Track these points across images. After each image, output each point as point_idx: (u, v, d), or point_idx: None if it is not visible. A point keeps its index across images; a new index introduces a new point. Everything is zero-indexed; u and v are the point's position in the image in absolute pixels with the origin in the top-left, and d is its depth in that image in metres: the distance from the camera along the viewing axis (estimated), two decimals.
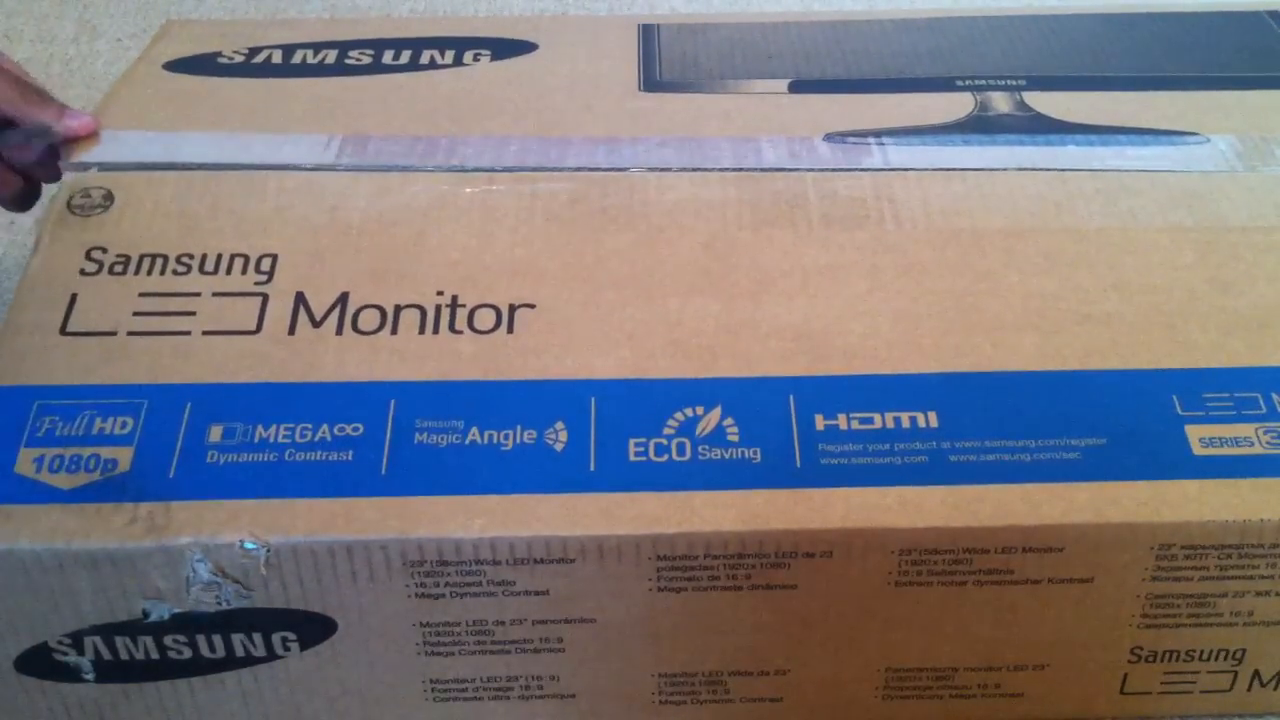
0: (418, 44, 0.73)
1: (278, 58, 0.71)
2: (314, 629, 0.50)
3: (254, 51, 0.72)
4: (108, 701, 0.52)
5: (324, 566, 0.48)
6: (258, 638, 0.50)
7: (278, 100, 0.67)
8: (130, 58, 0.95)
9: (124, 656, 0.50)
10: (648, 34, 0.74)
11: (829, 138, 0.64)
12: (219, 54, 0.71)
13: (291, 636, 0.50)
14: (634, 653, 0.51)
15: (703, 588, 0.49)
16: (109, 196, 0.60)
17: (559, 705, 0.53)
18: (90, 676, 0.51)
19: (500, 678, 0.52)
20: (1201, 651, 0.53)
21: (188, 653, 0.50)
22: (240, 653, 0.50)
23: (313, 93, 0.68)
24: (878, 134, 0.64)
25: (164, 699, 0.52)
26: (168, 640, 0.50)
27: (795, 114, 0.66)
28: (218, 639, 0.50)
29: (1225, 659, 0.53)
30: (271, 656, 0.51)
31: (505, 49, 0.72)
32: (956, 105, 0.67)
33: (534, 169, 0.61)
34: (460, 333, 0.54)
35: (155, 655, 0.50)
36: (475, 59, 0.71)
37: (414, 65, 0.71)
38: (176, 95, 0.67)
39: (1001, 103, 0.67)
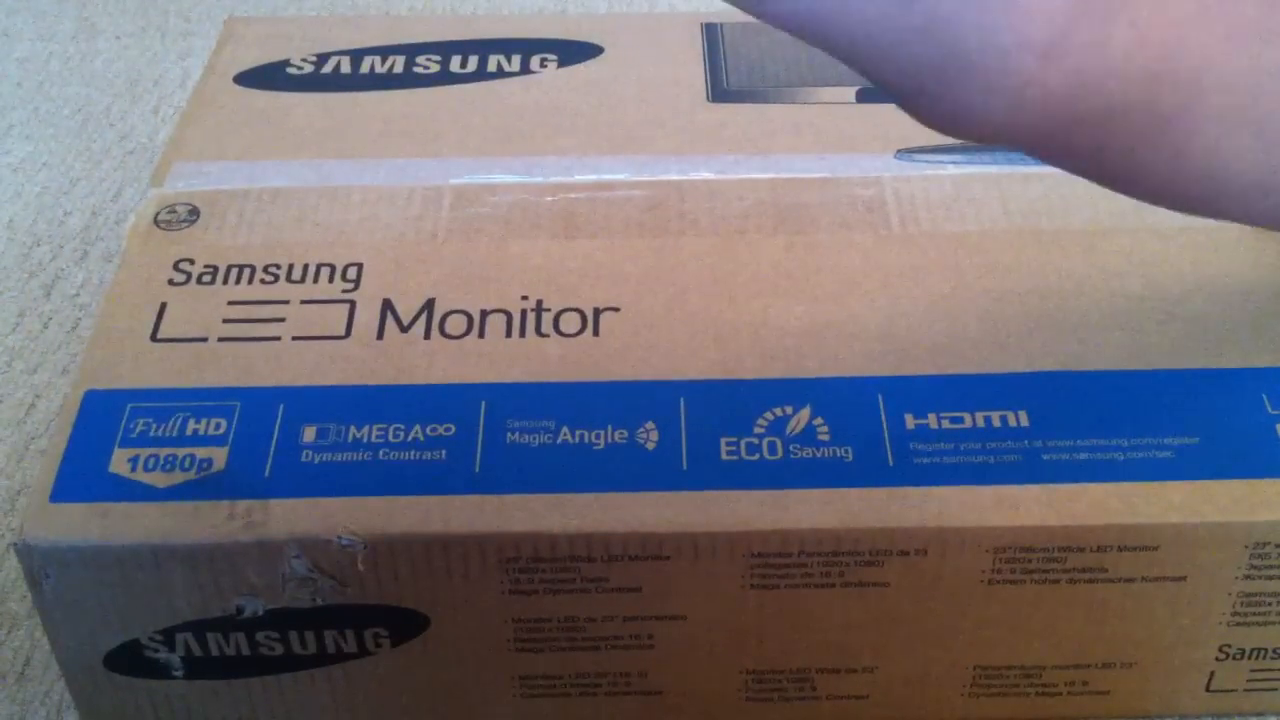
0: (484, 48, 0.73)
1: (346, 66, 0.72)
2: (406, 624, 0.50)
3: (322, 59, 0.72)
4: (195, 698, 0.52)
5: (419, 562, 0.48)
6: (349, 633, 0.50)
7: (351, 121, 0.67)
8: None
9: (215, 653, 0.51)
10: (711, 35, 0.74)
11: (900, 155, 0.64)
12: (288, 62, 0.72)
13: (383, 632, 0.50)
14: (722, 650, 0.52)
15: (795, 585, 0.49)
16: (194, 212, 0.60)
17: (644, 702, 0.54)
18: (179, 673, 0.51)
19: (588, 674, 0.52)
20: None
21: (279, 649, 0.51)
22: (331, 649, 0.51)
23: (384, 110, 0.68)
24: (949, 150, 0.64)
25: (252, 695, 0.52)
26: (259, 636, 0.50)
27: (864, 127, 0.66)
28: (310, 635, 0.50)
29: None
30: (363, 653, 0.51)
31: (571, 53, 0.73)
32: None
33: (609, 181, 0.62)
34: (546, 336, 0.55)
35: (246, 651, 0.51)
36: (542, 64, 0.72)
37: (481, 73, 0.71)
38: (251, 118, 0.67)
39: None
